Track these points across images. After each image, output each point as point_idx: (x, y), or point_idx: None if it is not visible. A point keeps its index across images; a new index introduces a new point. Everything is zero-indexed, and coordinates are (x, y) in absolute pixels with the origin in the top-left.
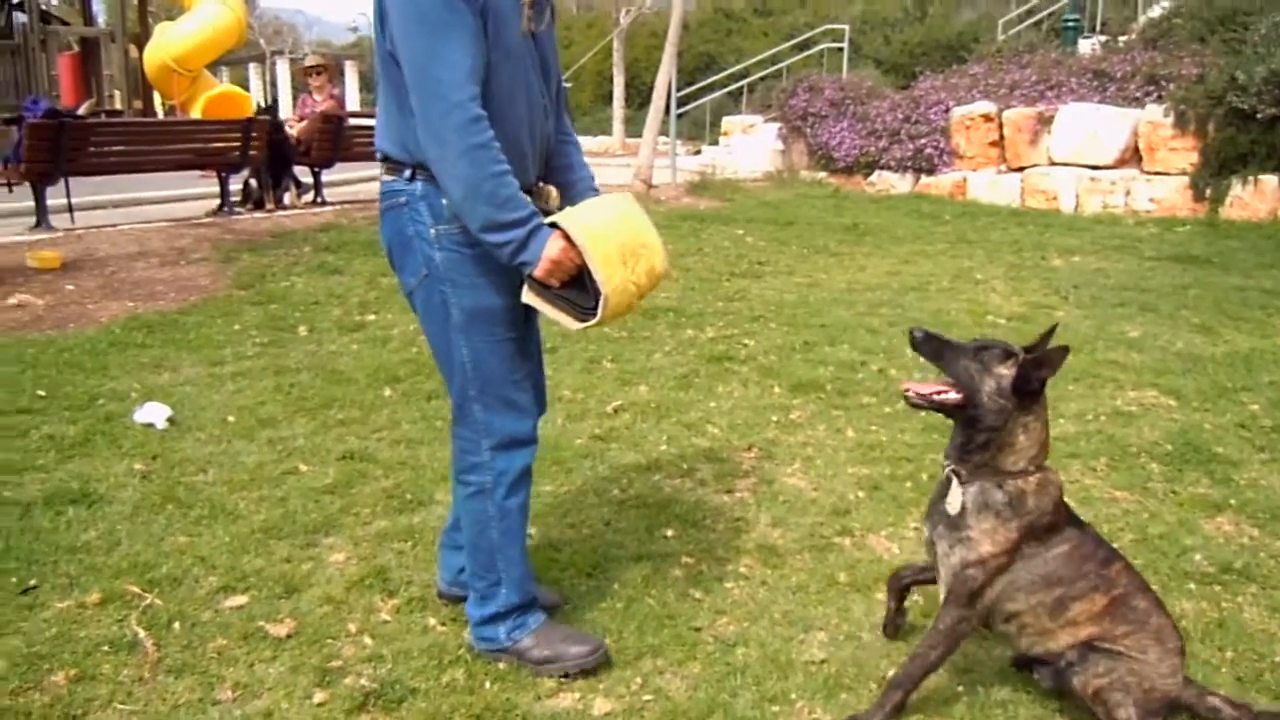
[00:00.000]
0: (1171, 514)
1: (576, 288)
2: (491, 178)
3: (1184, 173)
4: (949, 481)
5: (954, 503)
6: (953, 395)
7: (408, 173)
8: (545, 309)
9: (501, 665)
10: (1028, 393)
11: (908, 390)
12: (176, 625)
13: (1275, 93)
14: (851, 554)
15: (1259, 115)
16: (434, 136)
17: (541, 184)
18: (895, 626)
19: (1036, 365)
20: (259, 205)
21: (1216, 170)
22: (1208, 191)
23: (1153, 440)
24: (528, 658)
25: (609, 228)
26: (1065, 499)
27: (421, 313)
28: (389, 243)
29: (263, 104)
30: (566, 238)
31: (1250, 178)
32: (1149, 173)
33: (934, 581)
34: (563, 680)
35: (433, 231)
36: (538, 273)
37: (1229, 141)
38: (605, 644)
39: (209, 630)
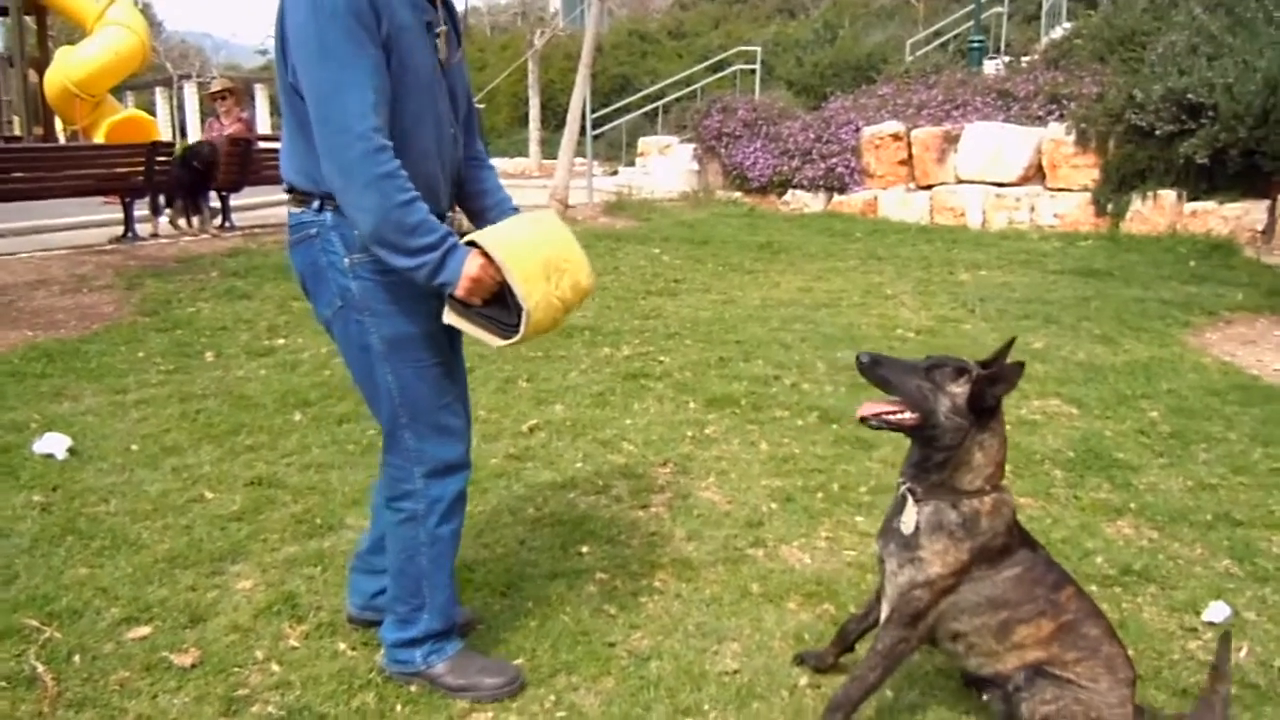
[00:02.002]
0: (1074, 518)
1: (498, 305)
2: (399, 206)
3: (1086, 189)
4: (904, 500)
5: (909, 522)
6: (908, 416)
7: (316, 203)
8: (467, 328)
9: (413, 688)
10: (984, 410)
11: (863, 415)
12: (77, 658)
13: (1172, 110)
14: (764, 565)
15: (1157, 132)
16: (338, 169)
17: (453, 213)
18: (822, 664)
19: (991, 382)
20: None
21: (1117, 186)
22: (1109, 207)
23: (1055, 447)
24: (441, 684)
25: (529, 243)
26: (1019, 522)
27: (340, 343)
28: (301, 274)
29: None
30: (486, 255)
31: (1149, 193)
32: (1052, 189)
33: (878, 624)
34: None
35: (347, 261)
36: (459, 292)
37: (1128, 158)
38: (521, 674)
39: (111, 662)
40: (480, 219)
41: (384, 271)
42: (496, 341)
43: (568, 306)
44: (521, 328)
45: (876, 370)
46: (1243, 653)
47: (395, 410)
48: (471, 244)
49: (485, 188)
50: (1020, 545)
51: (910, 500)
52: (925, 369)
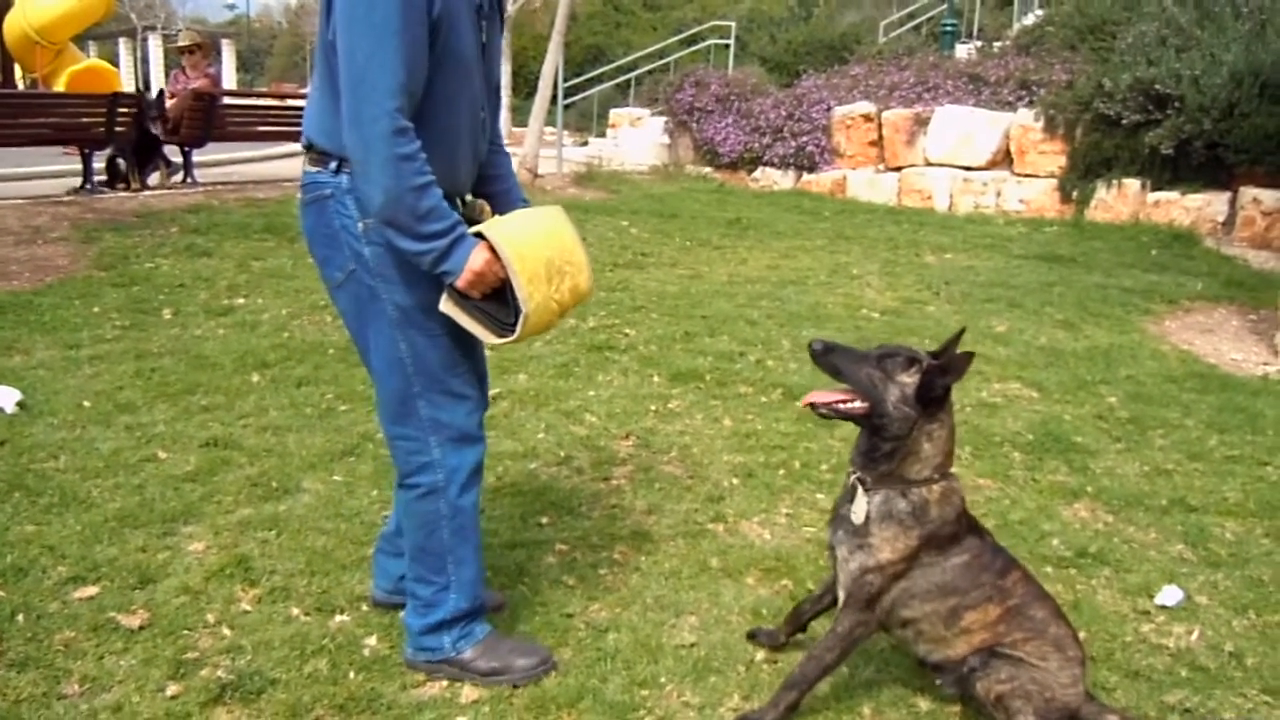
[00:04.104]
0: (1031, 500)
1: (497, 300)
2: (413, 191)
3: (1052, 175)
4: (854, 489)
5: (859, 512)
6: (857, 405)
7: (334, 164)
8: (462, 320)
9: (366, 654)
10: (932, 400)
11: (813, 402)
12: (21, 617)
13: (1139, 100)
14: (724, 540)
15: (1124, 121)
16: (360, 141)
17: (472, 197)
18: (775, 642)
19: (941, 372)
20: (125, 184)
21: (1083, 173)
22: (1074, 194)
23: (1015, 430)
24: (471, 669)
25: (536, 242)
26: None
27: (348, 309)
28: (311, 236)
29: (139, 88)
30: (492, 249)
31: (1114, 181)
32: (1019, 175)
33: (833, 605)
34: (431, 671)
35: (361, 226)
36: (459, 283)
37: (1095, 146)
38: (552, 656)
39: (56, 622)
40: (491, 204)
41: None
42: (491, 338)
43: (563, 309)
44: (517, 329)
45: (828, 358)
46: (1194, 636)
47: (409, 379)
48: (479, 235)
49: (498, 173)
50: (968, 533)
51: (860, 490)
52: (876, 358)
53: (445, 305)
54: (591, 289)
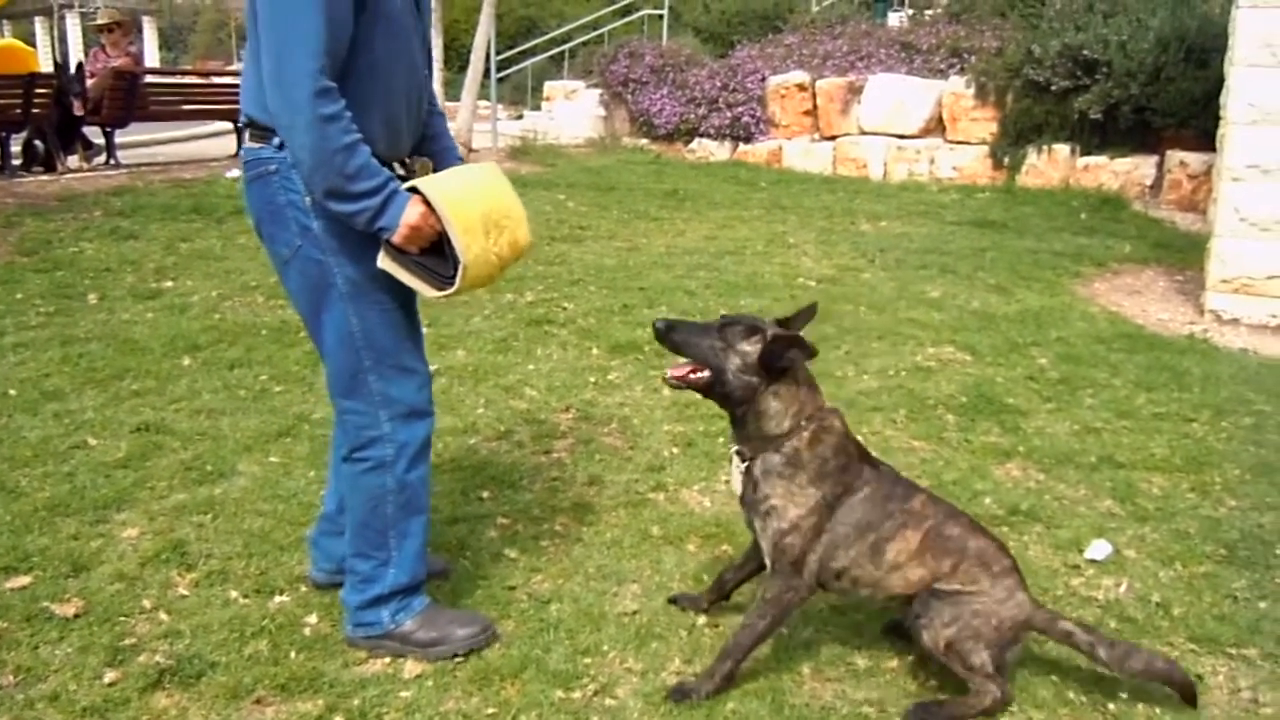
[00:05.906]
0: (965, 461)
1: (435, 255)
2: (342, 150)
3: (984, 142)
4: (731, 462)
5: (735, 482)
6: (703, 375)
7: (277, 140)
8: (402, 275)
9: (307, 633)
10: (778, 369)
11: (667, 376)
12: None
13: (1068, 66)
14: (665, 508)
15: (1053, 87)
16: (284, 104)
17: (414, 156)
18: (697, 608)
19: (788, 345)
20: (48, 168)
21: (1014, 140)
22: (1005, 160)
23: (949, 393)
24: (412, 641)
25: (471, 196)
26: (857, 440)
27: (296, 285)
28: (257, 214)
29: (56, 63)
30: (427, 203)
31: (1044, 147)
32: (952, 142)
33: (759, 569)
34: (373, 647)
35: (308, 200)
36: (396, 238)
37: (1025, 112)
38: (491, 624)
39: None
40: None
41: None
42: (430, 292)
43: (503, 263)
44: (457, 280)
45: (671, 335)
46: (1122, 588)
47: (359, 354)
48: (414, 190)
49: (435, 133)
50: (861, 463)
51: (737, 460)
52: (718, 328)
53: (383, 261)
54: (531, 243)
